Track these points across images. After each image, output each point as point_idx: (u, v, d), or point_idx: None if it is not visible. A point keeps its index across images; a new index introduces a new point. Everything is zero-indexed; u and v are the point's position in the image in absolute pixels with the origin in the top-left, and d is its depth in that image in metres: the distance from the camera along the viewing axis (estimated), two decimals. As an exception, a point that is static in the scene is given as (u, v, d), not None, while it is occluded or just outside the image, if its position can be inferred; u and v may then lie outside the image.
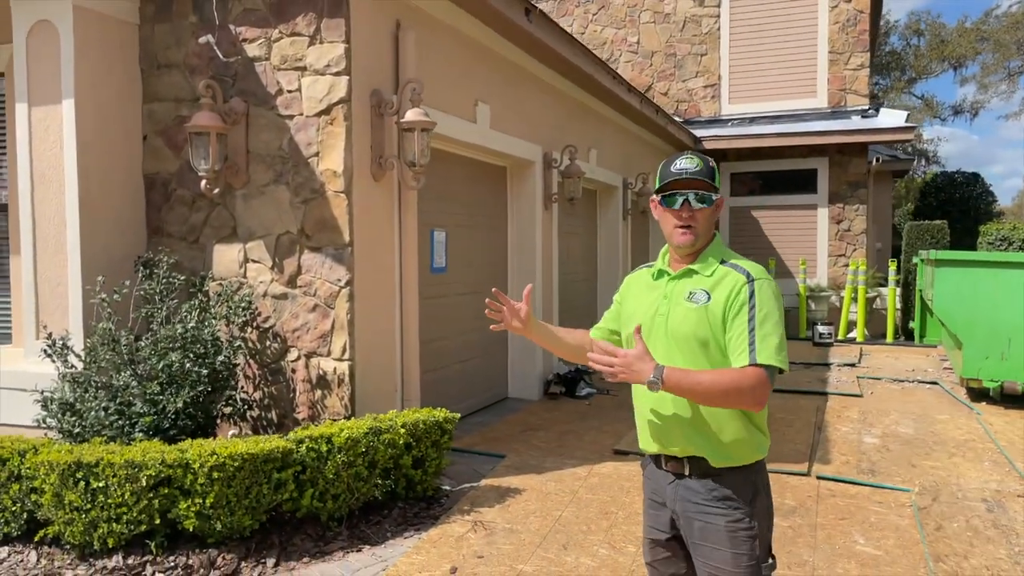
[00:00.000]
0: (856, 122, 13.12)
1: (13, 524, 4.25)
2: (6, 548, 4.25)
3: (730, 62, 14.34)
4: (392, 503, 4.74)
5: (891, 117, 13.12)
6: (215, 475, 3.96)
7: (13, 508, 4.22)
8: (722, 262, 2.32)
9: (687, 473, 2.31)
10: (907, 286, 13.02)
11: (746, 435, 2.27)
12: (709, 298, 2.26)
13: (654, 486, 2.44)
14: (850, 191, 13.51)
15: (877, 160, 14.29)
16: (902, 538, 4.43)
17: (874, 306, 13.36)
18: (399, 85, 5.35)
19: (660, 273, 2.42)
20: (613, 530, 4.48)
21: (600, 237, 10.89)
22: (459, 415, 5.02)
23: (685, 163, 2.29)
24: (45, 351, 4.66)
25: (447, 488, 5.11)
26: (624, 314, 2.52)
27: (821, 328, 11.94)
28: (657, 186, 2.35)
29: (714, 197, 2.31)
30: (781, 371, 2.19)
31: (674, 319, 2.30)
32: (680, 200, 2.29)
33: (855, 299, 12.74)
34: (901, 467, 5.71)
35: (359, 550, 4.28)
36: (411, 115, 5.05)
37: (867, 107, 13.61)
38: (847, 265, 13.34)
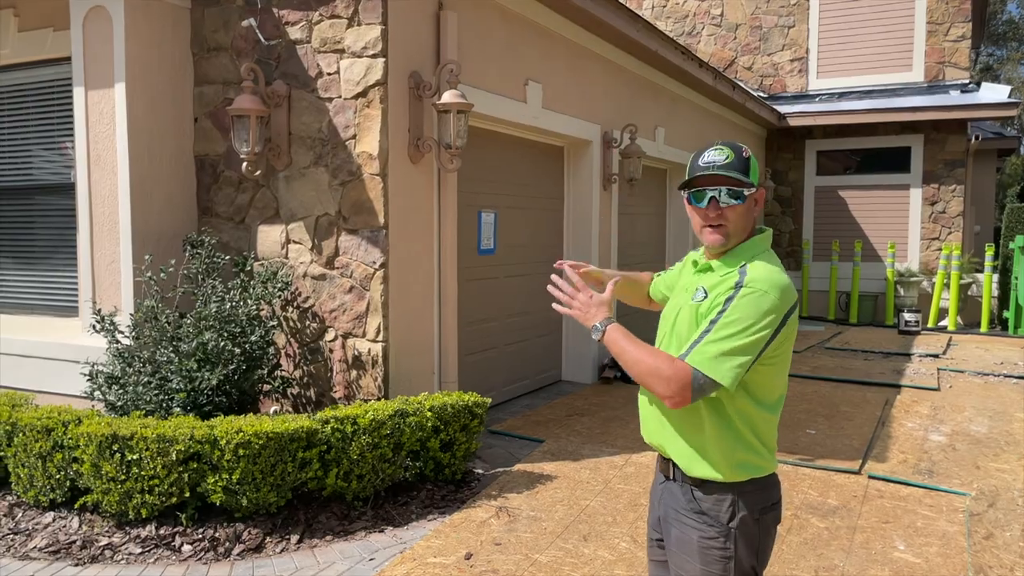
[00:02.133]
0: (954, 97, 12.40)
1: (58, 491, 4.49)
2: (51, 513, 4.50)
3: (819, 34, 13.75)
4: (421, 485, 4.80)
5: (993, 92, 12.36)
6: (241, 452, 4.08)
7: (57, 476, 4.45)
8: (743, 264, 2.12)
9: (671, 476, 2.24)
10: (1005, 272, 12.32)
11: (729, 450, 2.11)
12: (706, 296, 2.13)
13: (654, 483, 2.39)
14: (946, 171, 12.82)
15: (977, 138, 13.47)
16: (947, 546, 4.22)
17: (969, 293, 12.70)
18: (439, 67, 5.33)
19: (695, 263, 2.32)
20: (639, 523, 4.41)
21: (670, 218, 10.68)
22: (490, 400, 5.02)
23: (714, 155, 2.12)
24: (93, 326, 4.88)
25: (479, 472, 5.14)
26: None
27: (907, 315, 11.41)
28: (684, 180, 2.22)
29: (747, 192, 2.11)
30: (722, 386, 2.01)
31: (679, 316, 2.21)
32: (707, 197, 2.13)
33: (947, 285, 12.14)
34: (964, 468, 5.43)
35: (381, 531, 4.35)
36: (447, 97, 5.03)
37: (967, 81, 12.85)
38: (940, 249, 12.70)
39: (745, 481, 2.13)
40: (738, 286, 2.06)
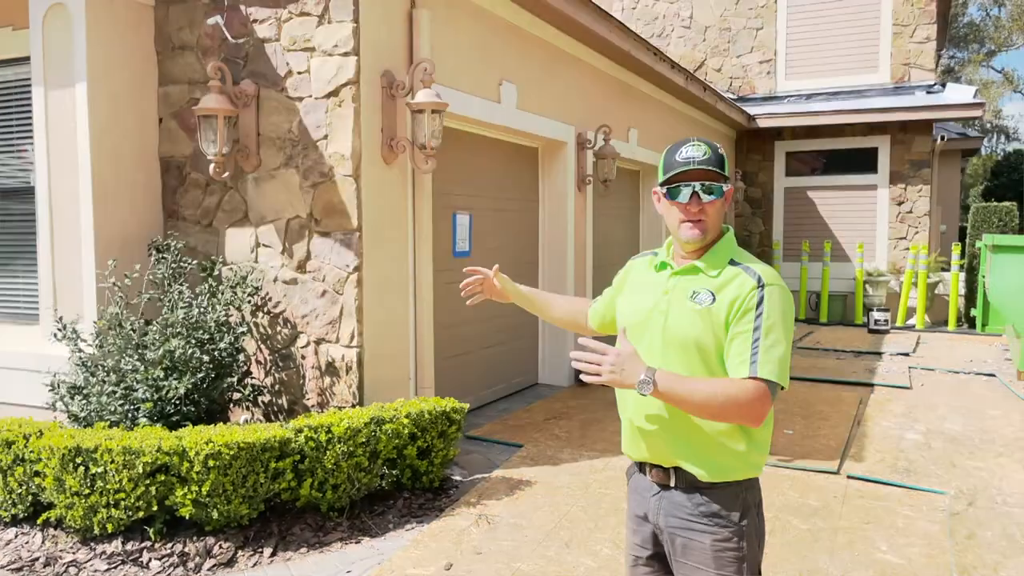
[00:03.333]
0: (920, 98, 12.50)
1: (20, 506, 4.31)
2: (13, 529, 4.32)
3: (787, 36, 13.80)
4: (397, 493, 4.69)
5: (958, 93, 12.46)
6: (211, 463, 3.94)
7: (19, 490, 4.27)
8: (731, 262, 2.14)
9: (673, 484, 2.16)
10: (972, 271, 12.45)
11: (742, 450, 2.11)
12: (714, 300, 2.09)
13: (637, 498, 2.29)
14: (913, 171, 12.93)
15: (943, 138, 13.63)
16: (929, 546, 4.18)
17: (936, 292, 12.82)
18: (412, 66, 5.21)
19: (663, 265, 2.25)
20: (621, 528, 4.33)
21: (644, 219, 10.66)
22: (468, 405, 4.92)
23: (692, 151, 2.11)
24: (54, 334, 4.70)
25: (457, 479, 5.04)
26: (620, 303, 2.36)
27: (877, 314, 11.49)
28: (661, 177, 2.17)
29: (724, 188, 2.13)
30: (782, 388, 2.03)
31: (674, 320, 2.13)
32: (687, 192, 2.11)
33: (915, 284, 12.24)
34: (941, 467, 5.41)
35: (358, 542, 4.22)
36: (421, 96, 4.92)
37: (932, 82, 12.95)
38: (908, 248, 12.79)
39: (750, 478, 2.15)
40: (761, 285, 2.06)
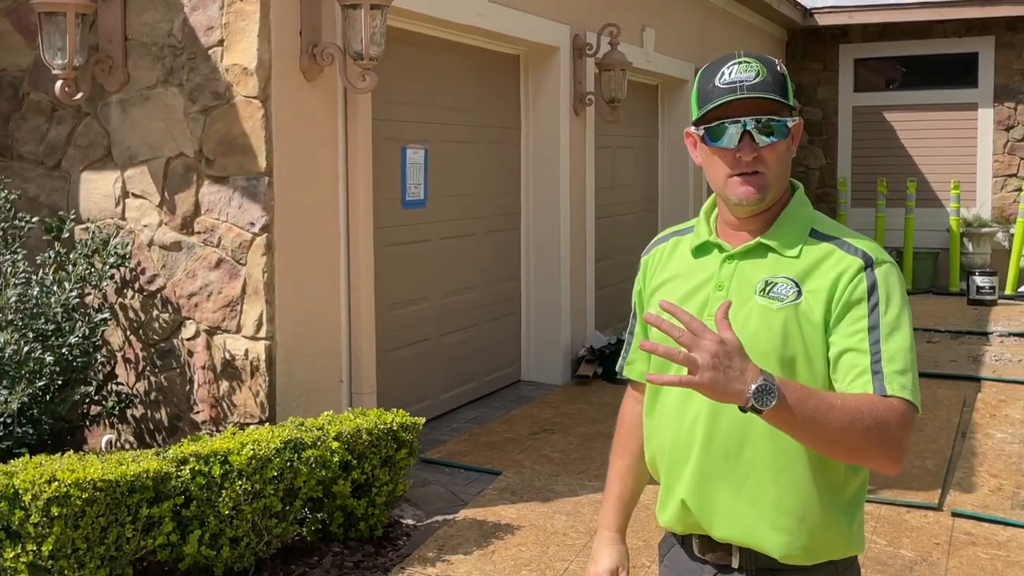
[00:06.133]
0: (1038, -15, 12.47)
1: None
2: None
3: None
4: (324, 547, 4.64)
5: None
6: (55, 511, 3.76)
7: None
8: (814, 234, 2.02)
9: (737, 566, 2.03)
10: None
11: (845, 516, 1.98)
12: (800, 293, 1.95)
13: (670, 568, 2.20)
14: (1027, 84, 13.03)
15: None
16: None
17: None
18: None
19: (706, 247, 2.10)
20: (640, 594, 4.17)
21: (664, 149, 10.72)
22: (423, 420, 4.88)
23: (739, 71, 1.98)
24: None
25: (409, 522, 4.99)
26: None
27: (979, 279, 11.54)
28: (695, 111, 2.03)
29: (789, 123, 1.98)
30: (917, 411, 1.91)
31: (740, 325, 1.91)
32: (736, 132, 1.96)
33: (1031, 237, 12.28)
34: (1080, 497, 5.32)
35: (267, 620, 4.11)
36: (355, -16, 4.84)
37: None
38: (1020, 189, 12.84)
39: (849, 557, 2.06)
40: (870, 264, 1.94)
